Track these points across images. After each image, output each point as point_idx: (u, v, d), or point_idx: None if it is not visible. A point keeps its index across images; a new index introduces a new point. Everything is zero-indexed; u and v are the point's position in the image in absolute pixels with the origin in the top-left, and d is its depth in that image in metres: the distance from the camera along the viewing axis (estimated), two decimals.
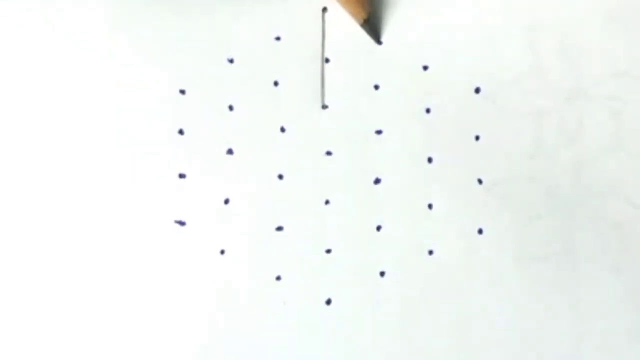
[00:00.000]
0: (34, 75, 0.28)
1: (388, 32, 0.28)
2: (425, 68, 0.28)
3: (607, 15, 0.28)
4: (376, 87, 0.28)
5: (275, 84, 0.28)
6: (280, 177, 0.28)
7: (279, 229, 0.28)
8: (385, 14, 0.28)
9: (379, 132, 0.28)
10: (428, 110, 0.28)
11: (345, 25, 0.28)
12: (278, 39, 0.28)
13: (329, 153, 0.28)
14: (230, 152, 0.28)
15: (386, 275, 0.28)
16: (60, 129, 0.28)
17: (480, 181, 0.28)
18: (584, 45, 0.28)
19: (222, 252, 0.28)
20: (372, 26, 0.27)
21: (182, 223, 0.28)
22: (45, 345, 0.28)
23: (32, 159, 0.28)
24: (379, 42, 0.27)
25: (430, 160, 0.28)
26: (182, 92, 0.28)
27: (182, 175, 0.28)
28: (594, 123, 0.28)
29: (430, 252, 0.28)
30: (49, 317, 0.28)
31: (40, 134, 0.28)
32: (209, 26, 0.28)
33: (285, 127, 0.28)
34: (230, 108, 0.28)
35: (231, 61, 0.28)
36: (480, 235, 0.28)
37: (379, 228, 0.28)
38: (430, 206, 0.28)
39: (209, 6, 0.28)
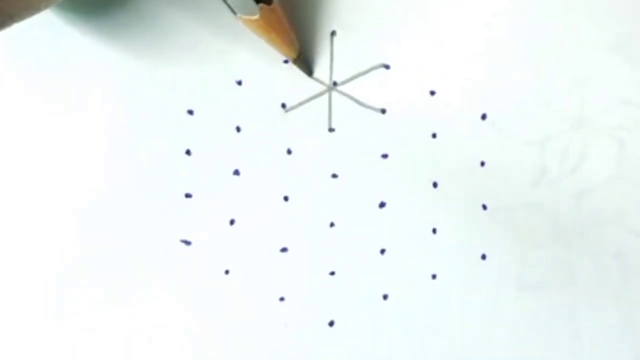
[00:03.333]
0: (45, 86, 0.28)
1: (396, 56, 0.28)
2: (432, 93, 0.28)
3: (612, 44, 0.28)
4: (383, 111, 0.28)
5: (283, 106, 0.28)
6: (286, 198, 0.28)
7: (284, 250, 0.28)
8: (392, 32, 0.28)
9: (384, 155, 0.28)
10: (434, 135, 0.28)
11: (355, 53, 0.28)
12: (286, 62, 0.28)
13: (334, 176, 0.28)
14: (236, 172, 0.28)
15: (389, 298, 0.28)
16: (67, 146, 0.28)
17: (484, 207, 0.28)
18: (589, 74, 0.28)
19: (227, 272, 0.28)
20: (304, 63, 0.28)
21: (187, 242, 0.28)
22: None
23: (37, 175, 0.28)
24: (310, 74, 0.28)
25: (435, 185, 0.28)
26: (190, 112, 0.28)
27: (188, 195, 0.28)
28: (598, 152, 0.28)
29: (434, 276, 0.28)
30: (53, 336, 0.28)
31: (48, 148, 0.28)
32: (217, 48, 0.28)
33: (291, 149, 0.28)
34: (238, 129, 0.28)
35: (239, 83, 0.28)
36: (484, 261, 0.28)
37: (383, 251, 0.28)
38: (434, 230, 0.28)
39: (217, 29, 0.28)
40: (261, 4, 0.25)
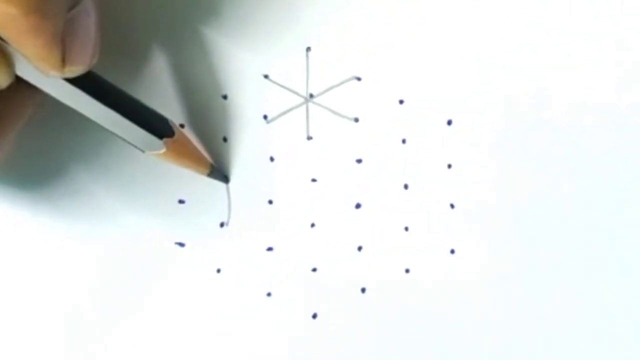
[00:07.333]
0: None
1: (367, 69, 0.30)
2: (401, 102, 0.30)
3: (569, 56, 0.30)
4: (356, 119, 0.30)
5: (265, 117, 0.31)
6: (270, 202, 0.31)
7: (269, 249, 0.31)
8: (362, 47, 0.30)
9: (359, 160, 0.31)
10: (404, 141, 0.30)
11: (329, 67, 0.30)
12: (266, 76, 0.31)
13: (313, 180, 0.31)
14: (225, 179, 0.31)
15: (367, 291, 0.31)
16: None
17: (452, 206, 0.30)
18: (548, 80, 0.30)
19: (218, 270, 0.31)
20: (218, 173, 0.30)
21: (181, 244, 0.31)
22: None
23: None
24: (227, 182, 0.31)
25: (406, 186, 0.30)
26: (182, 126, 0.31)
27: (181, 201, 0.31)
28: (556, 151, 0.30)
29: (407, 271, 0.31)
30: (47, 339, 0.31)
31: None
32: (206, 64, 0.30)
33: (273, 156, 0.31)
34: (224, 139, 0.31)
35: (225, 97, 0.31)
36: (452, 255, 0.30)
37: (360, 248, 0.31)
38: (406, 228, 0.31)
39: (205, 45, 0.30)
40: (165, 139, 0.27)
